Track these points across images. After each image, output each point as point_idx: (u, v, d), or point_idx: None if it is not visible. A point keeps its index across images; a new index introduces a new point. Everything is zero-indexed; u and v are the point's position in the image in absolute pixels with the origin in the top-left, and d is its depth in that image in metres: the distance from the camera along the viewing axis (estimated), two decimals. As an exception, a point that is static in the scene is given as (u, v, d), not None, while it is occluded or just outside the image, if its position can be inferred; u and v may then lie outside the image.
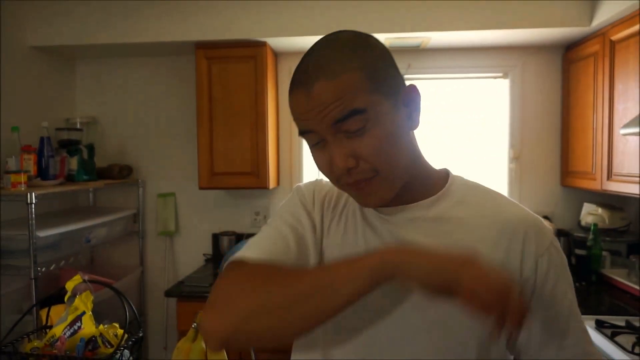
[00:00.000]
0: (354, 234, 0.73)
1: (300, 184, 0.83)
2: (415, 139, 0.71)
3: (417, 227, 0.70)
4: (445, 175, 0.75)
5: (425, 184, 0.72)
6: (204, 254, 2.72)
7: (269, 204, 2.70)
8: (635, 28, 1.84)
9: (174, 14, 2.31)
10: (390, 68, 0.67)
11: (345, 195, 0.78)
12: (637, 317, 1.72)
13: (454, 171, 0.77)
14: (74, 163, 2.28)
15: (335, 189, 0.80)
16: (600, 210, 2.29)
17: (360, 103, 0.62)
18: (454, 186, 0.72)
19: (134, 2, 2.32)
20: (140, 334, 1.09)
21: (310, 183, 0.82)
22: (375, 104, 0.63)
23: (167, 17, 2.32)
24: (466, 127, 2.58)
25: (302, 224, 0.73)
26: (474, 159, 2.58)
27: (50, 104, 2.55)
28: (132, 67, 2.74)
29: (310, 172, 2.72)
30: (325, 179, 0.76)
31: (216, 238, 2.69)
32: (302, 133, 0.68)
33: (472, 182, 0.76)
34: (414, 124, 0.69)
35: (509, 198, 0.74)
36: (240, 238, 2.65)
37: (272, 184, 2.48)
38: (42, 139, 2.15)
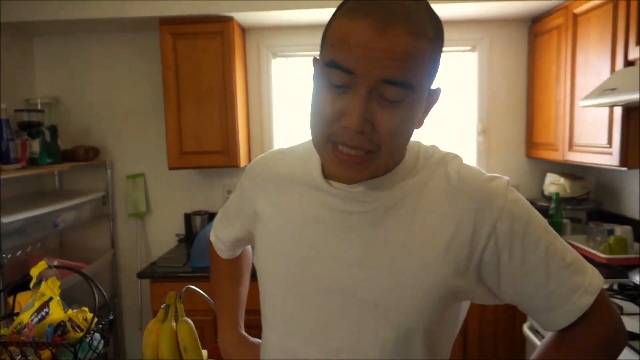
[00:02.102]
0: (302, 207, 0.73)
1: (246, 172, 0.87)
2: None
3: (371, 201, 0.68)
4: None
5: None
6: (176, 234, 2.71)
7: (241, 182, 2.69)
8: (596, 1, 1.87)
9: (134, -12, 2.22)
10: (440, 60, 0.65)
11: (289, 170, 0.78)
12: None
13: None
14: (35, 146, 2.20)
15: (275, 166, 0.81)
16: (562, 180, 2.38)
17: (415, 79, 0.60)
18: (409, 156, 0.71)
19: (91, -25, 2.22)
20: (111, 317, 1.09)
21: (248, 174, 0.86)
22: (420, 87, 0.61)
23: (128, -9, 2.23)
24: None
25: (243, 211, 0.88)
26: (443, 132, 2.62)
27: (8, 84, 2.43)
28: (95, 45, 2.64)
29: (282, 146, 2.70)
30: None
31: (188, 218, 2.68)
32: (334, 66, 0.59)
33: (427, 147, 0.74)
34: (420, 123, 0.68)
35: (460, 161, 0.72)
36: (212, 217, 2.64)
37: (243, 161, 2.47)
38: (0, 121, 2.06)
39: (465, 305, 0.74)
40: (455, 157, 0.72)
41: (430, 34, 0.60)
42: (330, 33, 0.61)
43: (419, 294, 0.65)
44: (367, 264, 0.67)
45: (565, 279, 0.65)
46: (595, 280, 0.67)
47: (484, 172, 0.70)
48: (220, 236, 0.96)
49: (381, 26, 0.56)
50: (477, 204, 0.65)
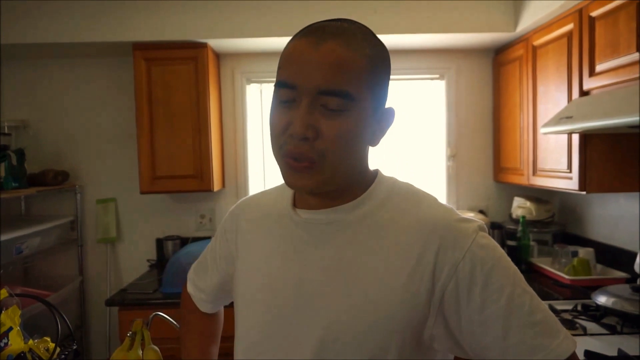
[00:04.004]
0: (272, 240, 0.75)
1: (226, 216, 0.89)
2: (367, 155, 0.71)
3: (335, 231, 0.69)
4: (374, 176, 0.73)
5: (354, 186, 0.70)
6: (147, 260, 2.65)
7: (214, 206, 2.68)
8: (553, 35, 1.99)
9: (109, 13, 2.24)
10: (387, 82, 0.69)
11: (264, 207, 0.80)
12: (560, 301, 1.87)
13: (386, 171, 0.76)
14: (1, 170, 2.15)
15: (252, 206, 0.84)
16: (528, 203, 2.46)
17: (354, 90, 0.63)
18: (378, 188, 0.71)
19: (67, 0, 2.22)
20: (74, 347, 1.06)
21: (229, 215, 0.87)
22: (362, 99, 0.64)
23: (102, 16, 2.24)
24: (406, 127, 2.67)
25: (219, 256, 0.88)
26: (414, 158, 2.68)
27: (-26, 107, 2.39)
28: (66, 69, 2.62)
29: (256, 172, 2.72)
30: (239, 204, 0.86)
31: (160, 243, 2.63)
32: (280, 85, 0.65)
33: (401, 183, 0.74)
34: (374, 142, 0.69)
35: (435, 200, 0.71)
36: (185, 242, 2.61)
37: (216, 186, 2.46)
38: (-36, 145, 2.02)
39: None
40: (429, 195, 0.72)
41: (367, 52, 0.64)
42: (279, 60, 0.67)
43: (377, 328, 0.64)
44: (327, 298, 0.66)
45: (526, 338, 0.61)
46: (564, 347, 0.61)
47: (457, 212, 0.69)
48: (200, 286, 0.93)
49: (316, 42, 0.63)
50: (442, 243, 0.64)
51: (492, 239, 0.67)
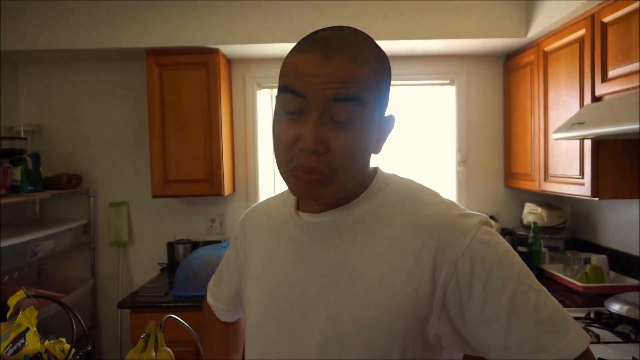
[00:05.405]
0: (275, 244, 0.76)
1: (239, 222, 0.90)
2: (370, 159, 0.71)
3: (336, 231, 0.69)
4: (373, 174, 0.73)
5: (355, 187, 0.70)
6: (159, 263, 2.68)
7: (224, 210, 2.70)
8: (564, 40, 1.98)
9: (123, 20, 2.28)
10: (388, 91, 0.70)
11: (268, 213, 0.82)
12: (572, 308, 1.85)
13: (386, 169, 0.76)
14: (17, 173, 2.19)
15: (258, 213, 0.85)
16: (539, 209, 2.44)
17: (362, 95, 0.63)
18: (378, 186, 0.71)
19: (81, 7, 2.27)
20: (89, 348, 1.08)
21: (238, 224, 0.89)
22: (371, 108, 0.64)
23: (116, 23, 2.28)
24: (416, 132, 2.68)
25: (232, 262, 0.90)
26: (424, 163, 2.68)
27: (-9, 112, 2.44)
28: (80, 74, 2.67)
29: (267, 177, 2.74)
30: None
31: (171, 246, 2.66)
32: (287, 90, 0.64)
33: (401, 179, 0.74)
34: (377, 149, 0.70)
35: (435, 195, 0.70)
36: (196, 246, 2.63)
37: (227, 190, 2.48)
38: (-18, 149, 2.06)
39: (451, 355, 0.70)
40: (429, 191, 0.71)
41: (374, 65, 0.65)
42: (283, 68, 0.67)
43: (377, 328, 0.63)
44: (329, 301, 0.67)
45: (530, 336, 0.58)
46: (573, 346, 0.59)
47: (459, 207, 0.67)
48: (218, 296, 0.96)
49: (324, 56, 0.62)
50: (440, 241, 0.63)
51: (497, 234, 0.65)
